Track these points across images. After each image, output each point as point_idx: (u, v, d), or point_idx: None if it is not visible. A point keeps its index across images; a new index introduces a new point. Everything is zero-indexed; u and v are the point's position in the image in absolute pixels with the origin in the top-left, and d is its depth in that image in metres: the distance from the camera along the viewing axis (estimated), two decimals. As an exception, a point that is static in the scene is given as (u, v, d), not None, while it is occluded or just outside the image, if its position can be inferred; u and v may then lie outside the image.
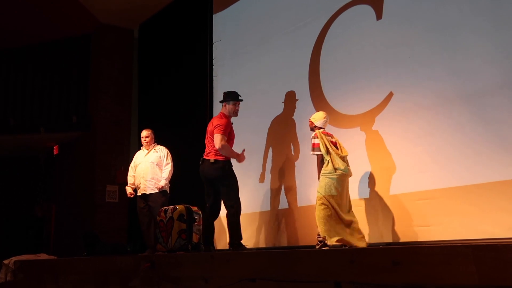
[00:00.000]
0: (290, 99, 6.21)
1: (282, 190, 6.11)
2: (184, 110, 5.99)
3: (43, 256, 6.52)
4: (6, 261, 6.25)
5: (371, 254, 2.58)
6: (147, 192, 5.93)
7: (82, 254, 6.50)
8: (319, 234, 4.66)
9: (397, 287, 2.34)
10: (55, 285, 5.49)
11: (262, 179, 6.30)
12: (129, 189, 6.15)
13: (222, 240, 6.77)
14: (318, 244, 4.69)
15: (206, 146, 5.32)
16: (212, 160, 5.12)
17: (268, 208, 6.24)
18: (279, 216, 6.08)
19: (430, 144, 4.63)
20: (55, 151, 10.03)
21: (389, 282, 2.37)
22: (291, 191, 5.97)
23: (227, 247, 6.65)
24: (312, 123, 5.01)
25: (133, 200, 8.63)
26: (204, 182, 5.24)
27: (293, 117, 6.14)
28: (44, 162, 10.59)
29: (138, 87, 9.31)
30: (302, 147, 5.92)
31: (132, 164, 6.30)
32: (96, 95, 9.04)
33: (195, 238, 4.67)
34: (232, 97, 5.42)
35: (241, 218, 6.33)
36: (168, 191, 6.00)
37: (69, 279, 5.32)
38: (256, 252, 5.07)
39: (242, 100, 5.46)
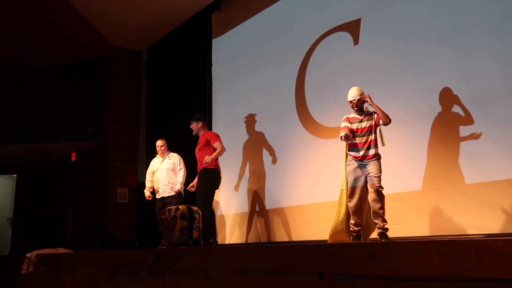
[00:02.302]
0: (251, 120, 6.51)
1: (268, 192, 6.12)
2: (186, 122, 6.02)
3: (61, 250, 6.47)
4: (28, 255, 6.20)
5: (349, 249, 2.59)
6: (165, 195, 5.93)
7: (96, 248, 6.45)
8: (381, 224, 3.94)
9: (372, 278, 2.34)
10: (72, 275, 5.45)
11: (237, 187, 6.52)
12: (147, 193, 6.12)
13: (219, 235, 6.75)
14: (383, 234, 3.92)
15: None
16: None
17: (262, 208, 6.23)
18: (269, 215, 6.07)
19: (400, 152, 4.65)
20: (73, 158, 9.99)
21: (365, 273, 2.37)
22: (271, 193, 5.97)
23: (223, 241, 6.65)
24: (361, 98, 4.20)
25: (140, 201, 8.63)
26: None
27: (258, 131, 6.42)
28: (63, 168, 10.54)
29: (146, 102, 9.31)
30: (283, 156, 5.91)
31: (149, 170, 6.28)
32: (109, 108, 9.02)
33: (195, 234, 4.64)
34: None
35: (233, 217, 6.34)
36: (182, 193, 5.99)
37: (84, 270, 5.29)
38: (249, 246, 5.06)
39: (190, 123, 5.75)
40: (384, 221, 3.93)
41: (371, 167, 4.05)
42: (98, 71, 9.31)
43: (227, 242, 6.64)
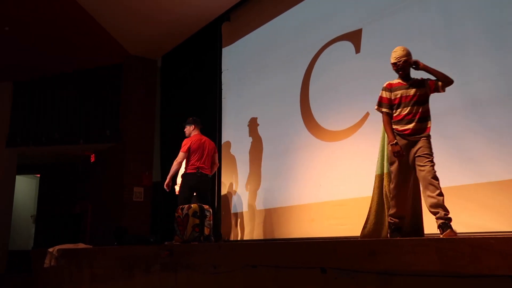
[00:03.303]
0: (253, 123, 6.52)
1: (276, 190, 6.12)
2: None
3: (81, 245, 6.50)
4: (50, 249, 6.23)
5: (351, 245, 2.58)
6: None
7: (113, 244, 6.47)
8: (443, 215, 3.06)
9: (373, 273, 2.33)
10: (90, 269, 5.47)
11: (246, 187, 6.58)
12: (177, 188, 6.09)
13: (229, 232, 6.76)
14: (446, 225, 3.01)
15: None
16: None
17: (269, 206, 6.23)
18: (275, 213, 6.07)
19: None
20: (92, 159, 10.04)
21: (366, 268, 2.37)
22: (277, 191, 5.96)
23: (233, 238, 6.66)
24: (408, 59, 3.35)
25: (155, 199, 8.66)
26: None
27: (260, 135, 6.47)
28: (83, 168, 10.60)
29: (160, 107, 9.35)
30: (288, 158, 5.91)
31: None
32: (125, 113, 9.06)
33: (206, 231, 4.66)
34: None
35: (242, 216, 6.31)
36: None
37: (102, 264, 5.31)
38: (257, 243, 5.05)
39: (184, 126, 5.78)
40: (446, 210, 3.06)
41: (422, 145, 3.19)
42: (116, 77, 9.36)
43: (235, 238, 6.64)
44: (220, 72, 7.51)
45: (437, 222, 3.07)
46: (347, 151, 5.17)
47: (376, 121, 4.87)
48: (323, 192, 5.36)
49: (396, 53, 3.41)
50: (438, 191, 3.07)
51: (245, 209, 6.57)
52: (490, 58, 4.06)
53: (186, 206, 4.74)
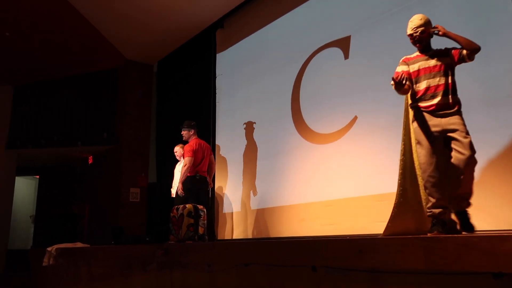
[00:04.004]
0: (249, 127, 6.48)
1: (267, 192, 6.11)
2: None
3: (79, 245, 6.44)
4: (49, 248, 6.17)
5: (341, 244, 2.58)
6: None
7: (110, 243, 6.42)
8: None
9: (361, 271, 2.33)
10: (88, 267, 5.42)
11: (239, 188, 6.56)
12: (173, 191, 6.11)
13: (222, 231, 6.73)
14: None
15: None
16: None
17: (261, 206, 6.22)
18: (266, 213, 6.06)
19: (387, 156, 4.64)
20: (90, 161, 9.97)
21: (355, 266, 2.36)
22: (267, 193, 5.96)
23: (227, 237, 6.63)
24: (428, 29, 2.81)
25: (151, 200, 8.61)
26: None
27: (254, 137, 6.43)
28: (80, 170, 10.53)
29: (156, 110, 9.32)
30: (279, 159, 5.91)
31: (175, 172, 6.32)
32: (122, 116, 9.01)
33: (200, 230, 4.63)
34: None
35: (234, 215, 6.28)
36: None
37: (99, 263, 5.27)
38: (249, 242, 5.04)
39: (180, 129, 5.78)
40: (469, 204, 2.62)
41: (453, 122, 2.62)
42: (113, 81, 9.31)
43: (228, 237, 6.62)
44: (214, 77, 7.50)
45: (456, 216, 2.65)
46: (336, 153, 5.18)
47: (365, 122, 4.90)
48: (312, 193, 5.36)
49: (412, 23, 2.85)
50: (471, 180, 2.54)
51: (238, 209, 6.55)
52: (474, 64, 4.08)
53: (181, 206, 4.71)
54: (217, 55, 7.57)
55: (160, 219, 7.72)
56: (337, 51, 5.44)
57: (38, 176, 11.37)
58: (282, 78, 6.17)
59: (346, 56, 5.31)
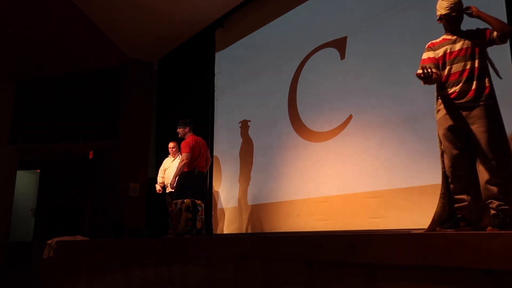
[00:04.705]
0: (245, 126, 6.50)
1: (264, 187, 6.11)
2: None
3: (79, 238, 6.43)
4: (49, 241, 6.16)
5: (334, 239, 2.58)
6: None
7: (110, 236, 6.41)
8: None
9: (354, 266, 2.33)
10: (87, 260, 5.41)
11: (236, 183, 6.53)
12: (158, 187, 6.12)
13: (219, 226, 6.74)
14: (498, 218, 2.33)
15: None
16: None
17: (257, 202, 6.22)
18: (263, 209, 6.06)
19: (380, 154, 4.66)
20: (90, 156, 9.96)
21: (348, 261, 2.37)
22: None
23: (224, 232, 6.64)
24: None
25: (150, 195, 8.60)
26: None
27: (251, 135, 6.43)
28: (81, 165, 10.51)
29: (156, 108, 9.30)
30: (275, 157, 5.91)
31: (161, 168, 6.28)
32: (123, 113, 9.00)
33: (198, 225, 4.63)
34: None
35: (231, 210, 6.27)
36: None
37: (99, 256, 5.26)
38: (246, 236, 5.04)
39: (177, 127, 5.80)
40: (503, 200, 2.29)
41: (477, 115, 2.31)
42: (114, 79, 9.29)
43: (226, 232, 6.63)
44: (213, 76, 7.49)
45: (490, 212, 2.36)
46: (331, 151, 5.19)
47: (360, 121, 4.91)
48: (308, 189, 5.37)
49: (447, 2, 2.49)
50: (501, 175, 2.26)
51: (234, 204, 6.55)
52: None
53: (180, 201, 4.71)
54: (216, 54, 7.56)
55: (159, 213, 7.72)
56: (333, 51, 5.44)
57: (39, 170, 11.35)
58: (279, 77, 6.17)
59: (343, 57, 5.31)
